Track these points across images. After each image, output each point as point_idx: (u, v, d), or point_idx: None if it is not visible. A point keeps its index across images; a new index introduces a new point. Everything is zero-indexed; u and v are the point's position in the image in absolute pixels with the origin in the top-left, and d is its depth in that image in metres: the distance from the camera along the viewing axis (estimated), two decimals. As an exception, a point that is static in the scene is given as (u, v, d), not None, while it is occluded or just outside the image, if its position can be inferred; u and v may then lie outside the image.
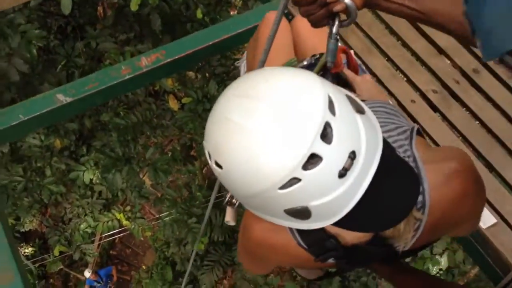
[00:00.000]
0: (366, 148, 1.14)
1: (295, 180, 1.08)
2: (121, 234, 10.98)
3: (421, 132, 1.50)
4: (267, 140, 1.07)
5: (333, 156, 1.08)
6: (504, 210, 2.39)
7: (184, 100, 5.74)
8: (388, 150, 1.22)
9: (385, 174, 1.18)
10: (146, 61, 2.28)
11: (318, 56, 1.92)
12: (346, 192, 1.13)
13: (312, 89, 1.10)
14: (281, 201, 1.14)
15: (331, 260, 1.40)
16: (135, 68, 2.31)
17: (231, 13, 6.01)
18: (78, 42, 5.88)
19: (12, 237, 2.08)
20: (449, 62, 2.84)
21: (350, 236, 1.32)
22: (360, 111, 1.18)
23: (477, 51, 2.64)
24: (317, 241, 1.34)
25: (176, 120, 5.78)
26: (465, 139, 2.62)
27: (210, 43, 2.56)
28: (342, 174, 1.09)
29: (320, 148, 1.06)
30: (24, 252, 11.97)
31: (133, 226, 6.40)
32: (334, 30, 1.48)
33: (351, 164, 1.10)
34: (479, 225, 2.33)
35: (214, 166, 1.16)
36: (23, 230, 11.56)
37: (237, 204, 2.03)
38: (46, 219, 10.22)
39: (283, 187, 1.09)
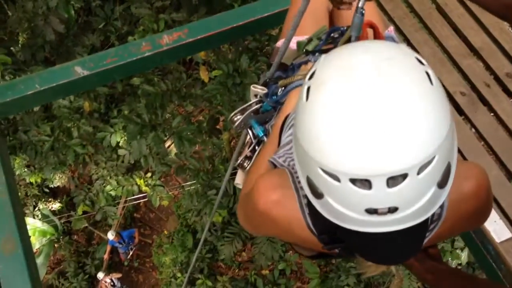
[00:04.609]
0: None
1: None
2: (146, 199, 11.13)
3: None
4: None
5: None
6: (521, 225, 2.32)
7: (214, 73, 5.69)
8: None
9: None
10: (167, 39, 2.25)
11: (345, 28, 1.85)
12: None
13: None
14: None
15: (336, 250, 1.43)
16: (156, 46, 2.28)
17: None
18: (118, 5, 5.88)
19: (20, 206, 2.08)
20: (481, 64, 2.71)
21: None
22: None
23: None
24: (329, 230, 1.34)
25: (206, 91, 5.74)
26: (488, 146, 2.53)
27: (235, 25, 2.49)
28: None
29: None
30: (52, 208, 12.30)
31: (151, 193, 6.46)
32: (360, 4, 1.49)
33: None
34: (493, 238, 2.28)
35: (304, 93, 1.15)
36: (52, 186, 11.86)
37: (248, 167, 1.99)
38: (73, 178, 10.41)
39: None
